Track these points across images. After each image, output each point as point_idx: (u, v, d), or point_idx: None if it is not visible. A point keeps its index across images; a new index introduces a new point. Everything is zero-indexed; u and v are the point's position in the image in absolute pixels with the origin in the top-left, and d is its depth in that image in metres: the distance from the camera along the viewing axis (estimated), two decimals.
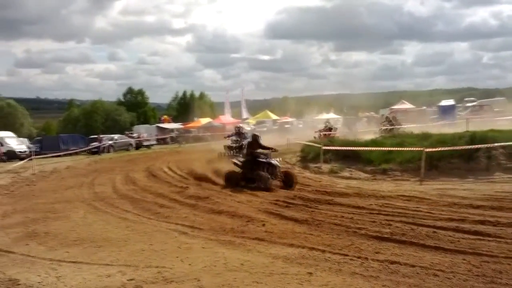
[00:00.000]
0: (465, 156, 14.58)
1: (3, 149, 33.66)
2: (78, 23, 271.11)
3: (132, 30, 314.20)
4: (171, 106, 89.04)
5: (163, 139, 49.26)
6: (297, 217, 9.76)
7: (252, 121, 57.32)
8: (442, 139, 16.52)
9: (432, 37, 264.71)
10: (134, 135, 47.30)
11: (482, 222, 8.47)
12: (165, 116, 66.17)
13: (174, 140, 48.31)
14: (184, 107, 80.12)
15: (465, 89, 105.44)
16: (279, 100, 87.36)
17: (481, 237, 7.62)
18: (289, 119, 58.43)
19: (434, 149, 14.41)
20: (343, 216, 9.58)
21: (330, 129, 28.11)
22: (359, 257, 6.96)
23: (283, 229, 8.95)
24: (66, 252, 8.37)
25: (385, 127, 26.80)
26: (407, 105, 48.44)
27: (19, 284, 6.44)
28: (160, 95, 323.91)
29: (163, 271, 6.83)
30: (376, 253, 7.16)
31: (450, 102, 37.51)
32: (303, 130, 44.24)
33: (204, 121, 55.27)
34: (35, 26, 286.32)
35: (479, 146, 14.30)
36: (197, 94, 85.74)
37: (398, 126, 26.42)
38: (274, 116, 58.99)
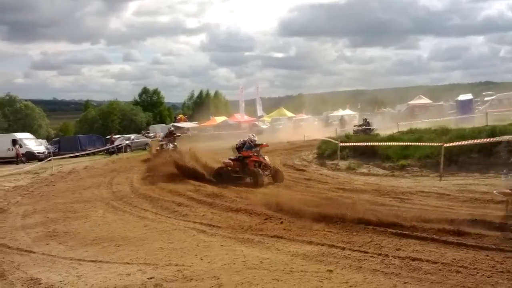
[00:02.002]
0: (485, 151, 14.32)
1: (22, 150, 34.06)
2: (93, 25, 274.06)
3: (146, 31, 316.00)
4: (186, 105, 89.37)
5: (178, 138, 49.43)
6: (315, 214, 9.67)
7: (267, 118, 57.20)
8: (461, 134, 16.26)
9: (448, 31, 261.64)
10: (151, 134, 47.52)
11: (504, 218, 8.30)
12: (181, 115, 66.38)
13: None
14: (199, 106, 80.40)
15: (483, 83, 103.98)
16: (294, 97, 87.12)
17: (504, 233, 7.47)
18: (305, 116, 58.16)
19: (453, 144, 14.18)
20: (362, 213, 9.47)
21: (368, 124, 27.68)
22: (379, 254, 6.88)
23: (301, 226, 8.90)
24: (86, 251, 8.44)
25: (357, 128, 26.92)
26: (424, 100, 47.92)
27: (40, 284, 6.50)
28: (175, 94, 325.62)
29: (183, 269, 6.84)
30: (397, 250, 7.07)
31: (468, 96, 36.92)
32: (318, 127, 44.04)
33: (219, 119, 55.31)
34: (50, 28, 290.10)
35: (499, 138, 14.01)
36: (211, 93, 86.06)
37: (372, 127, 26.48)
38: (289, 114, 58.73)
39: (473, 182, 12.48)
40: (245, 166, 14.76)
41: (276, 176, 14.56)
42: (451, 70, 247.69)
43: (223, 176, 14.99)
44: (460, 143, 14.20)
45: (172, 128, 22.37)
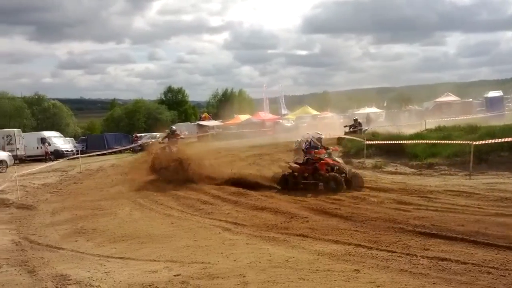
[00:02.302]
0: None
1: (50, 149, 34.77)
2: (118, 24, 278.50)
3: (170, 30, 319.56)
4: (210, 103, 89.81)
5: (204, 137, 49.69)
6: (341, 213, 9.61)
7: (291, 116, 57.04)
8: (491, 132, 15.91)
9: (475, 27, 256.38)
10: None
11: None
12: (205, 114, 66.75)
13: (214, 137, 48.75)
14: (223, 104, 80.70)
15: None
16: (318, 95, 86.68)
17: None
18: (329, 114, 57.79)
19: (482, 142, 13.86)
20: (389, 212, 9.36)
21: (360, 125, 27.14)
22: (407, 254, 6.76)
23: (327, 225, 8.83)
24: (114, 248, 8.55)
25: (348, 129, 26.18)
26: (452, 97, 47.07)
27: (69, 279, 6.60)
28: (199, 93, 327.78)
29: (208, 266, 6.86)
30: (425, 249, 6.94)
31: (498, 93, 36.11)
32: (344, 125, 43.67)
33: (243, 118, 55.42)
34: (76, 28, 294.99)
35: None
36: (236, 91, 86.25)
37: (363, 128, 26.08)
38: (313, 112, 58.46)
39: (503, 181, 12.20)
40: (316, 170, 12.83)
41: (352, 181, 12.54)
42: (479, 66, 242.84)
43: (289, 183, 13.19)
44: (490, 141, 13.89)
45: (174, 128, 19.70)
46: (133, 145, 36.03)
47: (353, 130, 25.96)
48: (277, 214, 10.13)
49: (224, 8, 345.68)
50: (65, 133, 51.48)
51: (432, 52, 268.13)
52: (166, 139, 18.41)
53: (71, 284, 6.43)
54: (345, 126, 27.77)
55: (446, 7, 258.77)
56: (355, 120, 28.12)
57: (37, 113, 66.32)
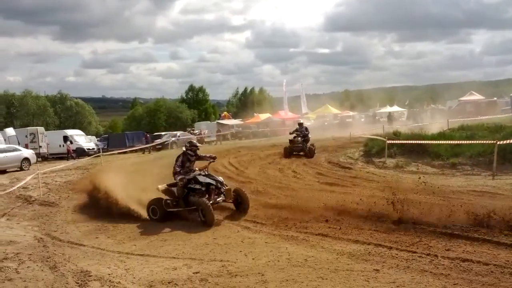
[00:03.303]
0: None
1: (73, 147, 35.21)
2: (141, 24, 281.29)
3: (192, 29, 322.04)
4: (230, 102, 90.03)
5: (223, 135, 49.89)
6: (362, 213, 9.50)
7: (312, 115, 56.79)
8: None
9: (502, 24, 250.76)
10: (196, 131, 48.16)
11: None
12: (225, 113, 66.94)
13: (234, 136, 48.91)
14: (243, 103, 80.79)
15: None
16: (340, 93, 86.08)
17: None
18: (351, 113, 57.38)
19: (507, 142, 13.57)
20: (410, 212, 9.22)
21: (306, 130, 21.74)
22: (428, 254, 6.69)
23: (347, 225, 8.76)
24: (134, 245, 8.65)
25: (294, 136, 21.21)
26: (476, 96, 46.27)
27: (90, 276, 6.68)
28: (220, 92, 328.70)
29: (227, 265, 6.87)
30: (447, 250, 6.84)
31: None
32: (365, 124, 43.35)
33: (264, 116, 55.36)
34: (100, 28, 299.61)
35: None
36: (256, 90, 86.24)
37: (308, 135, 21.24)
38: (335, 110, 58.06)
39: None
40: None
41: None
42: (506, 64, 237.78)
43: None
44: None
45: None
46: (146, 145, 36.03)
47: (296, 137, 21.18)
48: (296, 213, 10.08)
49: (246, 7, 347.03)
50: (87, 132, 52.27)
51: (457, 50, 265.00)
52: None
53: (91, 280, 6.51)
54: (290, 133, 22.27)
55: (471, 4, 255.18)
56: (300, 125, 22.15)
57: (60, 111, 67.50)
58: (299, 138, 20.95)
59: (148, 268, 7.05)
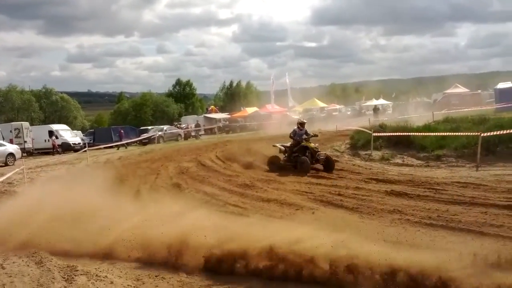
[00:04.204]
0: None
1: (58, 142, 34.92)
2: (127, 18, 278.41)
3: (179, 23, 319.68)
4: (217, 96, 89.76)
5: (211, 129, 49.81)
6: (347, 205, 9.60)
7: (299, 109, 56.89)
8: (500, 123, 15.77)
9: (486, 18, 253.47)
10: (183, 125, 48.02)
11: None
12: (212, 106, 66.80)
13: (221, 130, 48.85)
14: (230, 97, 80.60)
15: None
16: (326, 87, 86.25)
17: None
18: (337, 106, 57.65)
19: (491, 134, 13.75)
20: (396, 204, 9.34)
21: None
22: (413, 245, 6.74)
23: (333, 217, 8.82)
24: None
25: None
26: (461, 89, 46.75)
27: (77, 270, 6.63)
28: (207, 85, 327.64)
29: None
30: (431, 241, 6.92)
31: (508, 84, 35.68)
32: (351, 117, 43.59)
33: (251, 110, 55.36)
34: (86, 22, 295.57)
35: None
36: (243, 83, 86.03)
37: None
38: (321, 104, 58.27)
39: (511, 172, 12.07)
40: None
41: (327, 165, 14.54)
42: (490, 57, 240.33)
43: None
44: (498, 132, 13.76)
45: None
46: (117, 141, 35.38)
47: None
48: (283, 205, 10.13)
49: (233, 0, 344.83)
50: (72, 126, 51.74)
51: (442, 43, 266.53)
52: None
53: (78, 275, 6.46)
54: (295, 137, 20.45)
55: None
56: (302, 125, 17.28)
57: (45, 106, 66.68)
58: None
59: (135, 262, 7.04)
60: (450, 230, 7.38)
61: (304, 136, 15.07)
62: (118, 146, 34.02)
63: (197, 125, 46.23)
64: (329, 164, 14.52)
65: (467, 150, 14.51)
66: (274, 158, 15.51)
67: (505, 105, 29.79)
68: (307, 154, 14.48)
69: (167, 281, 6.18)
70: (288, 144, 15.35)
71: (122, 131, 38.87)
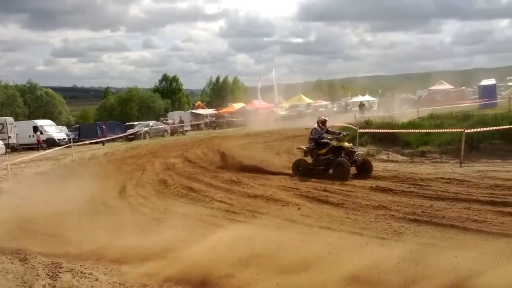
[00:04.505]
0: (507, 137, 14.04)
1: (43, 137, 34.54)
2: (113, 12, 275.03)
3: (166, 17, 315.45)
4: (204, 92, 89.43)
5: (197, 125, 49.65)
6: (333, 201, 9.66)
7: (285, 105, 56.97)
8: (483, 120, 15.98)
9: (471, 15, 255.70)
10: (169, 121, 47.81)
11: None
12: (199, 102, 66.54)
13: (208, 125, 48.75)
14: (217, 93, 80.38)
15: (507, 67, 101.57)
16: (313, 83, 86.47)
17: None
18: (323, 103, 57.81)
19: (474, 130, 13.93)
20: (380, 200, 9.42)
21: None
22: (398, 241, 6.83)
23: (319, 213, 8.88)
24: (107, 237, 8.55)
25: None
26: (445, 86, 47.20)
27: (61, 267, 6.59)
28: (194, 81, 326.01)
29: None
30: (415, 236, 7.01)
31: (491, 81, 36.11)
32: (337, 113, 43.78)
33: (238, 106, 55.28)
34: (71, 16, 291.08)
35: None
36: (230, 79, 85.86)
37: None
38: (308, 100, 58.40)
39: (494, 168, 12.27)
40: (332, 152, 13.03)
41: (365, 168, 12.74)
42: (474, 54, 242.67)
43: (302, 168, 13.22)
44: (481, 129, 13.94)
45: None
46: (101, 138, 34.92)
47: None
48: (269, 201, 10.17)
49: None
50: (57, 122, 51.21)
51: (427, 40, 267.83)
52: None
53: (63, 272, 6.42)
54: (318, 139, 20.21)
55: None
56: (324, 123, 15.32)
57: (30, 101, 65.85)
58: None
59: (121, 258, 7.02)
60: (434, 225, 7.47)
61: (327, 136, 13.41)
62: (103, 142, 33.69)
63: (181, 121, 45.84)
64: (366, 167, 12.64)
65: (451, 147, 14.69)
66: (301, 161, 13.56)
67: (489, 102, 30.18)
68: (343, 155, 12.63)
69: (154, 277, 6.17)
70: (309, 145, 13.56)
71: (104, 126, 38.37)
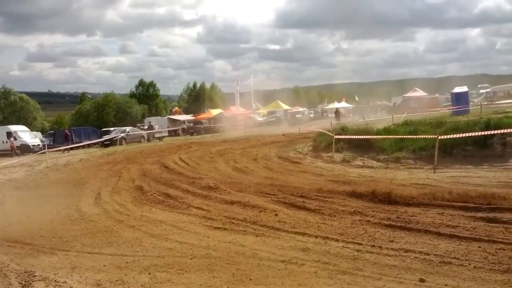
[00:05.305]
0: (479, 143, 14.36)
1: (17, 143, 33.94)
2: (89, 17, 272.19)
3: (143, 23, 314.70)
4: (182, 97, 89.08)
5: (175, 131, 49.41)
6: (309, 206, 9.72)
7: (263, 111, 57.18)
8: (456, 126, 16.32)
9: (444, 24, 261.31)
10: (146, 127, 47.44)
11: (497, 209, 8.34)
12: (176, 108, 66.28)
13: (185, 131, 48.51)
14: (194, 99, 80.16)
15: (479, 75, 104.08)
16: (290, 90, 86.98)
17: (497, 225, 7.52)
18: (300, 109, 58.22)
19: (448, 136, 14.22)
20: (356, 205, 9.52)
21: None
22: (373, 246, 6.92)
23: (296, 218, 8.93)
24: (81, 243, 8.45)
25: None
26: (419, 93, 48.07)
27: (34, 276, 6.49)
28: (171, 87, 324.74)
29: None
30: (390, 241, 7.11)
31: (464, 88, 36.91)
32: (314, 120, 44.12)
33: (215, 112, 55.25)
34: (47, 20, 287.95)
35: (494, 132, 14.06)
36: (208, 85, 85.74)
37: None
38: (285, 106, 58.76)
39: (467, 174, 12.51)
40: None
41: None
42: (447, 62, 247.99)
43: None
44: (454, 135, 14.23)
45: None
46: (64, 142, 33.97)
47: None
48: (246, 207, 10.17)
49: (198, 1, 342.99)
50: (32, 127, 50.36)
51: (402, 48, 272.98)
52: None
53: (36, 280, 6.32)
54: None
55: (416, 3, 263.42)
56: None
57: (4, 107, 64.50)
58: None
59: (96, 266, 6.93)
60: (408, 230, 7.58)
61: None
62: (67, 149, 32.64)
63: (150, 127, 45.09)
64: None
65: (425, 152, 14.94)
66: None
67: (462, 108, 30.79)
68: None
69: (128, 285, 6.11)
70: None
71: (68, 132, 37.25)
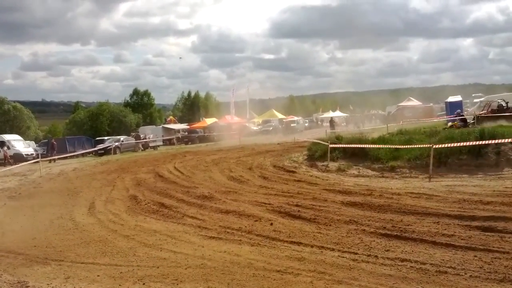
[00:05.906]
0: (474, 152, 14.40)
1: (10, 152, 33.73)
2: (84, 26, 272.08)
3: (137, 32, 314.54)
4: (176, 106, 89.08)
5: (169, 140, 49.31)
6: (305, 216, 9.69)
7: (258, 120, 57.26)
8: (451, 135, 16.38)
9: (437, 34, 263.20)
10: (141, 136, 47.34)
11: (492, 219, 8.36)
12: (171, 117, 66.25)
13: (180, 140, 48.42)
14: (189, 108, 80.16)
15: (472, 85, 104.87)
16: (285, 99, 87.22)
17: (492, 234, 7.53)
18: (295, 118, 58.35)
19: (442, 146, 14.27)
20: (352, 215, 9.51)
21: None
22: (369, 255, 6.90)
23: (291, 228, 8.90)
24: (75, 253, 8.37)
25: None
26: (414, 102, 48.30)
27: (28, 286, 6.44)
28: (165, 96, 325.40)
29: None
30: (386, 251, 7.10)
31: (458, 98, 37.18)
32: (309, 129, 44.19)
33: (210, 121, 55.26)
34: (41, 29, 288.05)
35: (488, 142, 14.13)
36: (202, 94, 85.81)
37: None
38: (280, 115, 58.90)
39: (461, 183, 12.53)
40: None
41: None
42: (441, 71, 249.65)
43: None
44: (449, 145, 14.28)
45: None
46: (49, 151, 33.42)
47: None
48: (241, 217, 10.14)
49: (192, 11, 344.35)
50: (25, 136, 50.13)
51: (396, 57, 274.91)
52: None
53: None
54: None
55: (410, 14, 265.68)
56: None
57: None
58: None
59: (90, 277, 6.87)
60: (404, 240, 7.57)
61: None
62: (50, 160, 32.28)
63: (137, 137, 44.39)
64: None
65: (420, 162, 14.96)
66: None
67: (455, 117, 30.93)
68: None
69: None
70: None
71: (54, 142, 36.30)
